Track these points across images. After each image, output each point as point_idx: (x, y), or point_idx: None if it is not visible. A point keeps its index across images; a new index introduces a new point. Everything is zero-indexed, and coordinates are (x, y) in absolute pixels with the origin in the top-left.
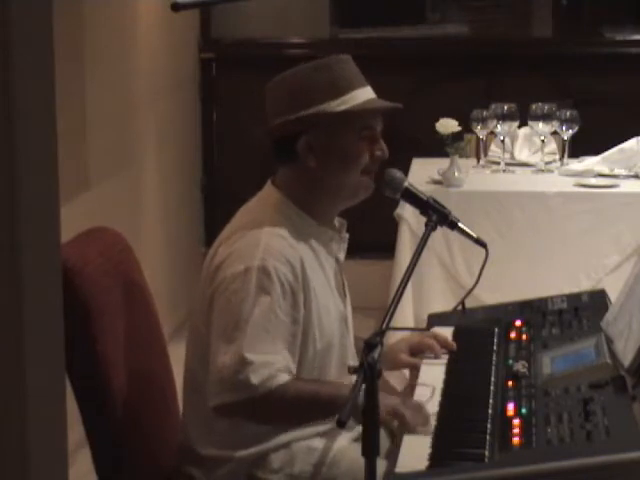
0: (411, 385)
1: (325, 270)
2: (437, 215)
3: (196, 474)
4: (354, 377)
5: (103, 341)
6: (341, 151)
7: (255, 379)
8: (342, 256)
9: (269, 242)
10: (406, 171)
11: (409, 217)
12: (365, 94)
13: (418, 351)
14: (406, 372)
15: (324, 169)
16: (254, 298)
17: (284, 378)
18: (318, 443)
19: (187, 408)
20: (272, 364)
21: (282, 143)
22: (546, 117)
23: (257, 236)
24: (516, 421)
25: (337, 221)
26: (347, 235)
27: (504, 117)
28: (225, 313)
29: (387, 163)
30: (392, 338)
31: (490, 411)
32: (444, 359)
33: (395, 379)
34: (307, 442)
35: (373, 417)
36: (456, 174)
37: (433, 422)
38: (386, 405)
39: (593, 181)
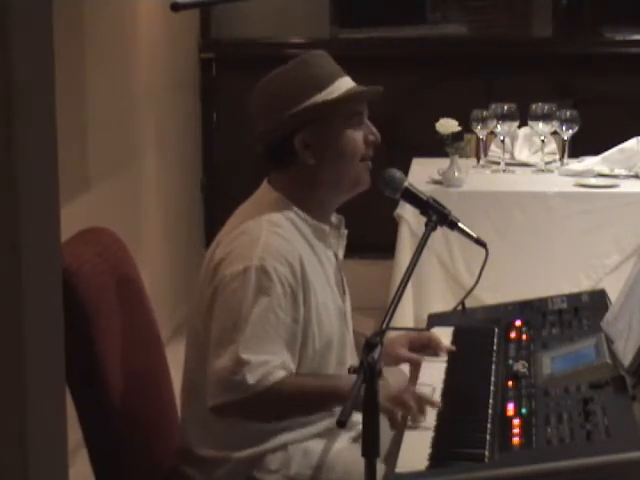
0: (411, 384)
1: (324, 267)
2: (437, 215)
3: (194, 475)
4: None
5: (100, 341)
6: (336, 142)
7: (251, 379)
8: (341, 252)
9: (267, 241)
10: (406, 171)
11: (409, 217)
12: (346, 83)
13: (417, 346)
14: (406, 372)
15: (323, 164)
16: (253, 298)
17: (280, 374)
18: (315, 445)
19: (185, 409)
20: (269, 362)
21: (276, 146)
22: (546, 117)
23: (255, 235)
24: (516, 421)
25: (335, 217)
26: (346, 231)
27: (504, 117)
28: (224, 313)
29: (387, 163)
30: (391, 334)
31: (490, 411)
32: (444, 359)
33: (394, 378)
34: (304, 444)
35: (373, 417)
36: (456, 174)
37: (433, 422)
38: (389, 393)
39: (593, 181)
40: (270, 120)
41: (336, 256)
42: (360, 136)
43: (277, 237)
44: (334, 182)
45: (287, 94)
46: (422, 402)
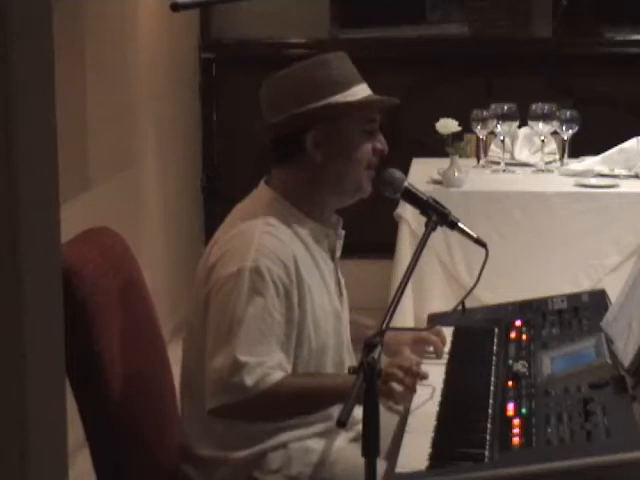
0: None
1: (320, 268)
2: (437, 215)
3: (195, 475)
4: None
5: (102, 341)
6: (347, 145)
7: (249, 380)
8: (338, 253)
9: (262, 242)
10: (406, 171)
11: (409, 217)
12: (364, 90)
13: (420, 346)
14: None
15: (330, 164)
16: (247, 299)
17: (278, 375)
18: (315, 444)
19: (185, 408)
20: (266, 363)
21: (286, 140)
22: (546, 117)
23: (250, 236)
24: (516, 421)
25: (333, 218)
26: (343, 232)
27: (504, 117)
28: (219, 315)
29: (387, 163)
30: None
31: (490, 411)
32: (444, 359)
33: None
34: (304, 443)
35: (373, 417)
36: (456, 174)
37: (433, 422)
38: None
39: (593, 181)
40: (284, 113)
41: (333, 257)
42: (370, 144)
43: (271, 237)
44: (336, 184)
45: (306, 90)
46: (410, 375)
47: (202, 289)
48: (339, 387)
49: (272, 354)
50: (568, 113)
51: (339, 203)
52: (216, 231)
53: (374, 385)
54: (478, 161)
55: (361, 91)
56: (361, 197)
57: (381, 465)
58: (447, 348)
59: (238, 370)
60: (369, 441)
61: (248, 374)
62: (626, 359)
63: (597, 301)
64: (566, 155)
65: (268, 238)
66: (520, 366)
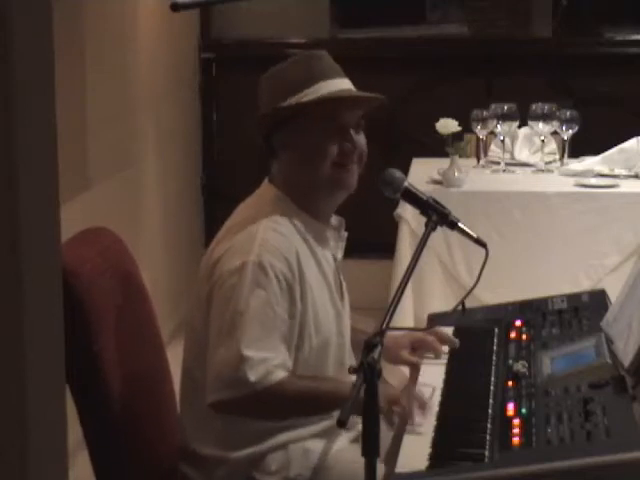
0: (411, 384)
1: (322, 267)
2: (437, 215)
3: (194, 475)
4: (353, 377)
5: (100, 341)
6: (308, 145)
7: (252, 376)
8: (340, 255)
9: (265, 237)
10: (406, 171)
11: (409, 217)
12: (336, 85)
13: (419, 347)
14: (406, 371)
15: (297, 164)
16: (250, 294)
17: (281, 374)
18: (315, 445)
19: (185, 407)
20: (269, 360)
21: (265, 138)
22: (546, 117)
23: (253, 231)
24: (516, 421)
25: (335, 219)
26: (346, 234)
27: (504, 117)
28: (222, 309)
29: (387, 163)
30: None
31: (490, 411)
32: (444, 359)
33: (394, 378)
34: (304, 444)
35: (373, 417)
36: (456, 174)
37: (433, 422)
38: (387, 392)
39: (593, 181)
40: (259, 113)
41: (335, 258)
42: (334, 142)
43: (274, 233)
44: (310, 184)
45: (271, 92)
46: (413, 402)
47: (205, 285)
48: (341, 393)
49: (276, 351)
50: (568, 113)
51: (327, 200)
52: (218, 231)
53: (374, 385)
54: (478, 161)
55: (332, 85)
56: (345, 192)
57: (380, 469)
58: (447, 348)
59: (241, 365)
60: (369, 441)
61: (251, 369)
62: (626, 359)
63: (597, 301)
64: (566, 155)
65: (271, 234)
66: (520, 366)
